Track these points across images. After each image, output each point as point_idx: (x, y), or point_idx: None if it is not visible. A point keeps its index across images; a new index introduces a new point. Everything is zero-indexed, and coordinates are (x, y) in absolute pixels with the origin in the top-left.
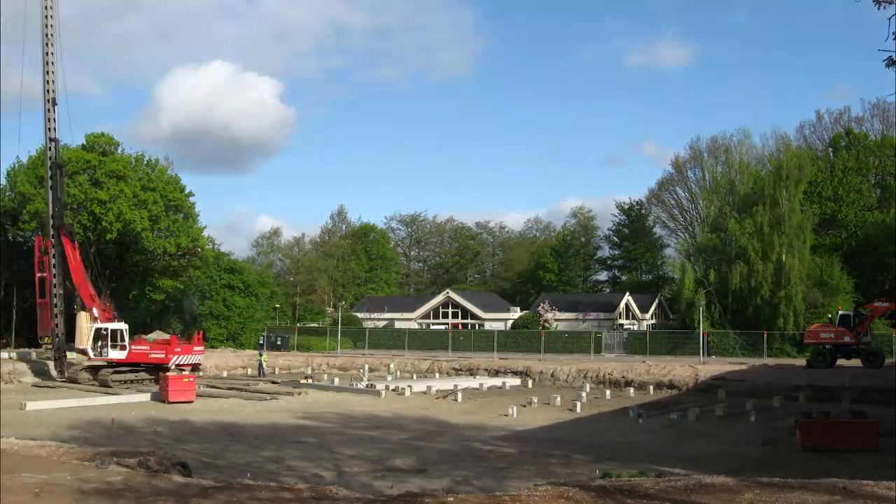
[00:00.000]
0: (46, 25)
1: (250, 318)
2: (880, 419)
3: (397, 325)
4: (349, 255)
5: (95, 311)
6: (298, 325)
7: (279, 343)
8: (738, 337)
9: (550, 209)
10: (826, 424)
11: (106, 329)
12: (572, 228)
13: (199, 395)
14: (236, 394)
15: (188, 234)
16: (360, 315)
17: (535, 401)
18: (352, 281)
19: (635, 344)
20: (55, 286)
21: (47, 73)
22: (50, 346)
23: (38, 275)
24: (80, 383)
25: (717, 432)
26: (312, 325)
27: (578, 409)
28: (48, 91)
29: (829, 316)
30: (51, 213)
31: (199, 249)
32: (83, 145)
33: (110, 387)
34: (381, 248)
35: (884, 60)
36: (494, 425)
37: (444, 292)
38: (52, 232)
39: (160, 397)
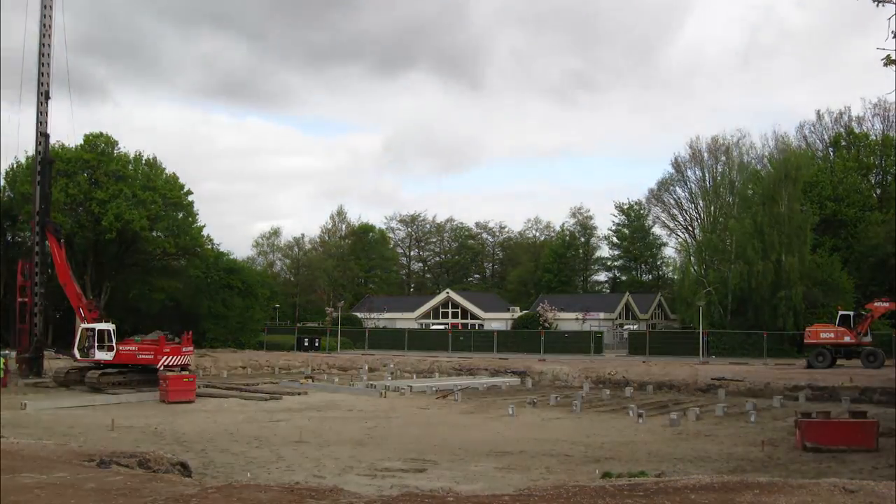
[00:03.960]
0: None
1: (250, 318)
2: (880, 419)
3: (397, 325)
4: (349, 255)
5: (82, 312)
6: (298, 325)
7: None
8: (738, 337)
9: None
10: (826, 424)
11: (92, 329)
12: (572, 228)
13: (198, 395)
14: (236, 394)
15: (188, 233)
16: (359, 315)
17: (535, 401)
18: (352, 281)
19: (635, 344)
20: (36, 284)
21: (42, 64)
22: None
23: (20, 299)
24: (69, 387)
25: (717, 432)
26: (312, 325)
27: (578, 409)
28: (42, 84)
29: (830, 316)
30: (37, 209)
31: (198, 248)
32: (82, 145)
33: (100, 390)
34: (380, 248)
35: (882, 59)
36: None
37: (444, 292)
38: (37, 228)
39: (160, 397)
